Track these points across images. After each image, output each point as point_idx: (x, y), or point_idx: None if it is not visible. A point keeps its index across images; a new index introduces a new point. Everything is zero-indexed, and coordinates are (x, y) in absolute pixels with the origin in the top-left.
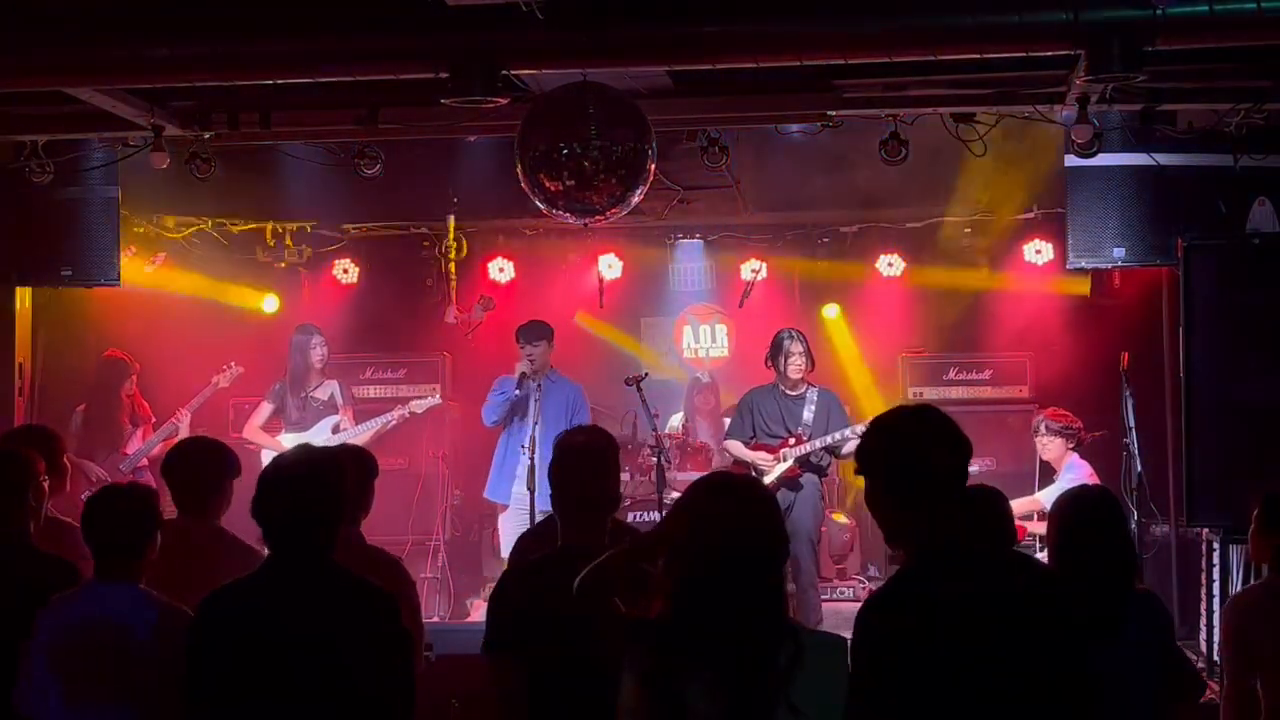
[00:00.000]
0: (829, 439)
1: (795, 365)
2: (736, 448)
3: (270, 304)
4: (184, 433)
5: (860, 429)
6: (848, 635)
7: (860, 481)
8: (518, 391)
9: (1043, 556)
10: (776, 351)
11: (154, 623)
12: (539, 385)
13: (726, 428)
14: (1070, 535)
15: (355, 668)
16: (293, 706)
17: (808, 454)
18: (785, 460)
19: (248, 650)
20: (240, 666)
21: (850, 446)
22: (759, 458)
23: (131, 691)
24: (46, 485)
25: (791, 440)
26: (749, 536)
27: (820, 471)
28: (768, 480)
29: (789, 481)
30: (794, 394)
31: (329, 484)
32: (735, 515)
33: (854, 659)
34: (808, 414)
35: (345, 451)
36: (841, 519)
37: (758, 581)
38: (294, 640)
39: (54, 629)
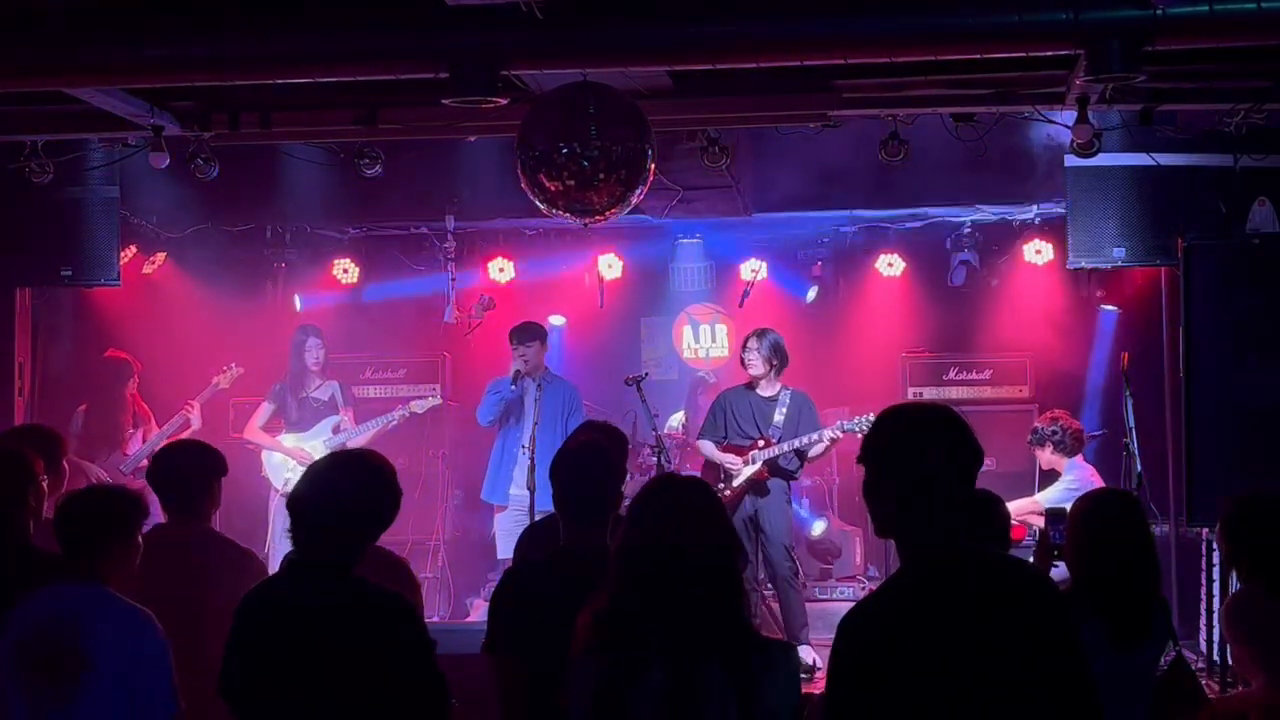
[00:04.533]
0: (797, 442)
1: (750, 363)
2: (708, 448)
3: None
4: (195, 424)
5: (829, 433)
6: None
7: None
8: (513, 388)
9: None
10: (742, 350)
11: (113, 623)
12: (538, 385)
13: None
14: (1093, 539)
15: (381, 677)
16: (316, 714)
17: (775, 457)
18: (753, 463)
19: (273, 655)
20: (265, 670)
21: (817, 450)
22: (727, 460)
23: (87, 693)
24: (46, 485)
25: (760, 442)
26: (681, 536)
27: (788, 475)
28: (736, 483)
29: (756, 485)
30: (766, 395)
31: (373, 498)
32: (669, 515)
33: (833, 666)
34: (779, 416)
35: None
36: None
37: (695, 583)
38: (319, 647)
39: (21, 627)
